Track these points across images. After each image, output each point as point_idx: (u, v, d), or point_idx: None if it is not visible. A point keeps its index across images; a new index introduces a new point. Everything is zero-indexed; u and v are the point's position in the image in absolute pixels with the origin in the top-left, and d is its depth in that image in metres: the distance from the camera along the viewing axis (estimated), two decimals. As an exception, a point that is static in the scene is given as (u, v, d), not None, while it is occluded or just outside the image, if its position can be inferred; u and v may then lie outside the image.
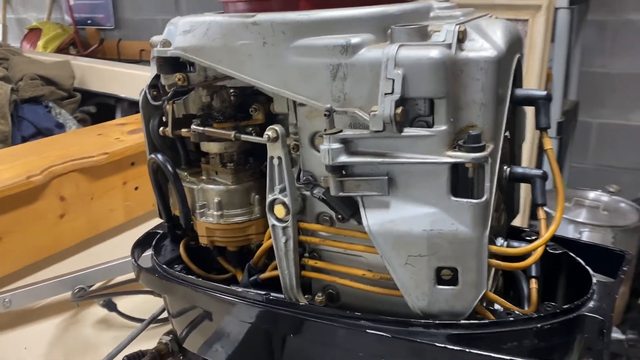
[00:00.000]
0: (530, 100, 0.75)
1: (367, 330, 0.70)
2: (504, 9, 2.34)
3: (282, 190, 0.74)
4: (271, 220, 0.76)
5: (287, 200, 0.74)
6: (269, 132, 0.72)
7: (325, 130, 0.68)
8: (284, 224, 0.75)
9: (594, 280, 0.76)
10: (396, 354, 0.69)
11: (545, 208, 0.75)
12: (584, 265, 0.80)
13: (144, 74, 2.70)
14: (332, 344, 0.73)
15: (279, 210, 0.75)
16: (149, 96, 0.89)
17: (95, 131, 1.59)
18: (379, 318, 0.70)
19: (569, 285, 0.85)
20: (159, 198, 0.93)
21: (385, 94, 0.63)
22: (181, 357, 1.04)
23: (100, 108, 2.93)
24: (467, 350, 0.65)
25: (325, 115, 0.67)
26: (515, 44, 0.73)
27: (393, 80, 0.63)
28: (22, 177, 1.20)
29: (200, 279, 0.86)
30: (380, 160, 0.66)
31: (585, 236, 2.44)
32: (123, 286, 1.25)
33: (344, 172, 0.68)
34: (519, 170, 0.77)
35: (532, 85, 2.40)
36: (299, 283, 0.78)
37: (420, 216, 0.67)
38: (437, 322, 0.68)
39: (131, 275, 1.32)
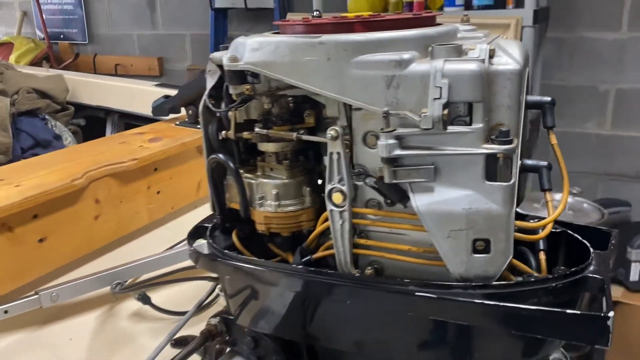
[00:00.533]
0: (538, 105, 0.92)
1: (416, 294, 0.85)
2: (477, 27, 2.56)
3: (340, 180, 0.89)
4: (329, 206, 0.91)
5: (344, 188, 0.89)
6: (331, 132, 0.87)
7: (381, 129, 0.83)
8: (341, 209, 0.90)
9: (591, 250, 0.94)
10: (441, 311, 0.85)
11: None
12: (581, 240, 0.98)
13: (135, 87, 2.80)
14: (387, 308, 0.88)
15: (337, 197, 0.90)
16: (209, 105, 1.02)
17: (117, 140, 1.69)
18: (425, 283, 0.86)
19: (568, 258, 1.02)
20: (215, 193, 1.06)
21: (435, 98, 0.79)
22: (227, 337, 1.17)
23: (89, 121, 3.01)
24: (500, 304, 0.81)
25: (383, 116, 0.82)
26: (526, 60, 0.90)
27: (441, 88, 0.79)
28: (67, 180, 1.31)
29: (260, 259, 1.00)
30: (428, 152, 0.82)
31: (566, 220, 2.66)
32: (159, 279, 1.36)
33: (396, 163, 0.84)
34: (529, 162, 0.95)
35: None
36: (352, 259, 0.93)
37: (460, 197, 0.83)
38: (473, 284, 0.84)
39: (163, 270, 1.44)
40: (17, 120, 2.41)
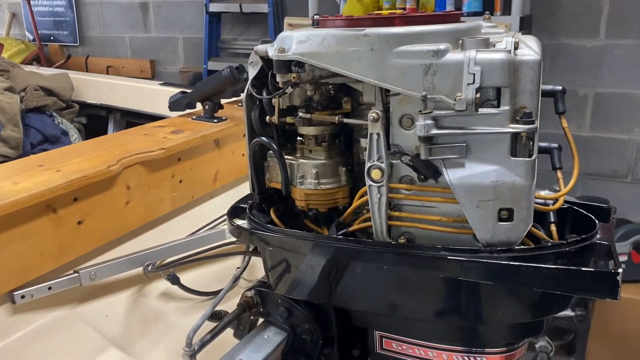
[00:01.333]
0: (551, 93, 1.05)
1: (448, 257, 0.96)
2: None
3: (379, 159, 1.00)
4: (368, 182, 1.02)
5: (383, 165, 1.00)
6: (372, 114, 0.98)
7: (419, 111, 0.94)
8: (379, 184, 1.01)
9: (597, 222, 1.07)
10: (470, 272, 0.96)
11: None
12: (587, 215, 1.11)
13: (137, 85, 2.87)
14: (422, 270, 0.99)
15: (376, 174, 1.01)
16: (253, 92, 1.13)
17: (139, 132, 1.77)
18: (455, 248, 0.97)
19: (574, 230, 1.15)
20: (255, 174, 1.17)
21: (468, 84, 0.91)
22: (261, 309, 1.26)
23: (90, 119, 3.07)
24: (524, 264, 0.93)
25: (422, 100, 0.93)
26: (542, 52, 1.03)
27: (474, 74, 0.90)
28: (103, 166, 1.39)
29: (301, 232, 1.10)
30: (461, 132, 0.94)
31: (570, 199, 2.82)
32: (191, 257, 1.45)
33: (432, 142, 0.95)
34: (543, 144, 1.08)
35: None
36: (388, 230, 1.04)
37: (488, 172, 0.94)
38: (498, 248, 0.96)
39: (187, 252, 1.53)
40: (25, 117, 2.46)
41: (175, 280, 1.47)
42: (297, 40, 1.02)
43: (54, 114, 2.56)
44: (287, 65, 1.04)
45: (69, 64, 4.69)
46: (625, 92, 3.44)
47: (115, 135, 1.74)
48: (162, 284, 1.49)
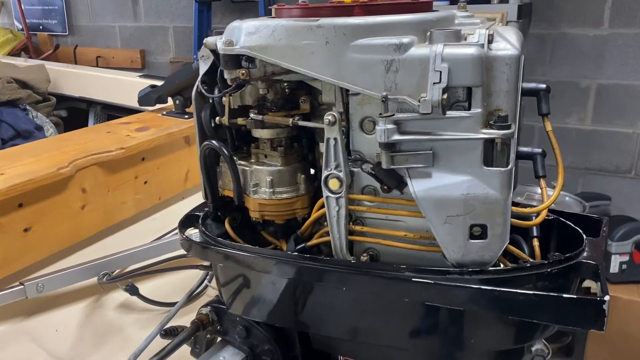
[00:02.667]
0: (533, 92, 0.93)
1: (413, 279, 0.85)
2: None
3: (337, 167, 0.89)
4: (326, 192, 0.90)
5: (341, 174, 0.88)
6: (328, 117, 0.87)
7: (380, 114, 0.83)
8: (337, 195, 0.90)
9: (584, 237, 0.95)
10: (437, 297, 0.85)
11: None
12: (574, 227, 0.99)
13: (118, 77, 2.76)
14: (383, 294, 0.88)
15: (334, 184, 0.89)
16: (202, 90, 1.01)
17: (103, 129, 1.66)
18: (422, 269, 0.86)
19: (561, 245, 1.03)
20: (207, 181, 1.05)
21: (434, 83, 0.79)
22: (218, 327, 1.15)
23: (71, 112, 2.96)
24: (497, 289, 0.81)
25: (382, 101, 0.82)
26: (523, 46, 0.90)
27: (440, 72, 0.78)
28: (53, 168, 1.28)
29: (254, 247, 0.99)
30: (427, 137, 0.82)
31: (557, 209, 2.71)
32: (146, 269, 1.35)
33: (394, 149, 0.83)
34: (524, 149, 0.95)
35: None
36: (348, 246, 0.92)
37: (458, 183, 0.83)
38: (469, 269, 0.84)
39: (150, 260, 1.42)
40: (-4, 111, 2.36)
41: (133, 291, 1.36)
42: (246, 31, 0.90)
43: (28, 107, 2.45)
44: (235, 60, 0.92)
45: (58, 54, 4.58)
46: (629, 83, 3.30)
47: (76, 133, 1.63)
48: (121, 294, 1.39)
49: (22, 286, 1.23)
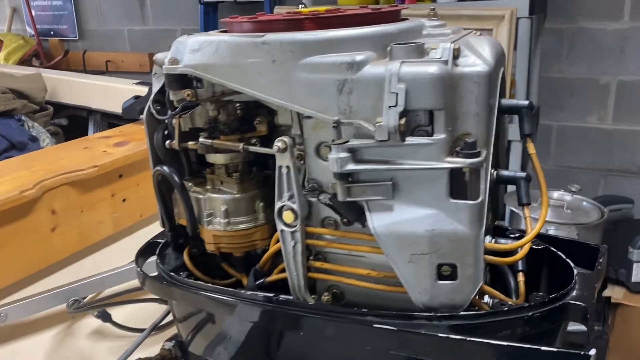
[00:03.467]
0: (514, 110, 0.82)
1: (374, 325, 0.75)
2: (469, 19, 2.45)
3: (290, 197, 0.79)
4: (280, 226, 0.81)
5: (295, 206, 0.79)
6: (278, 144, 0.77)
7: (333, 140, 0.73)
8: (293, 229, 0.81)
9: (575, 271, 0.84)
10: (402, 345, 0.75)
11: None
12: (565, 259, 0.88)
13: (116, 86, 2.70)
14: (342, 340, 0.79)
15: (288, 216, 0.80)
16: (153, 111, 0.93)
17: (80, 144, 1.60)
18: (385, 313, 0.76)
19: (551, 277, 0.92)
20: (163, 208, 0.97)
21: (390, 106, 0.69)
22: (184, 362, 1.07)
23: (72, 120, 2.92)
24: (468, 339, 0.71)
25: (333, 127, 0.72)
26: (500, 59, 0.80)
27: (397, 94, 0.69)
28: (15, 191, 1.22)
29: (209, 284, 0.90)
30: (385, 167, 0.72)
31: (551, 233, 2.56)
32: (118, 297, 1.27)
33: (350, 179, 0.74)
34: (505, 173, 0.85)
35: (497, 91, 2.51)
36: (307, 284, 0.83)
37: (422, 217, 0.73)
38: (438, 314, 0.74)
39: (125, 286, 1.35)
40: (-9, 122, 2.32)
41: (105, 318, 1.29)
42: (190, 48, 0.82)
43: (23, 118, 2.41)
44: (179, 80, 0.84)
45: (68, 60, 4.57)
46: (652, 79, 3.12)
47: (51, 149, 1.58)
48: (95, 321, 1.32)
49: (-16, 316, 1.17)
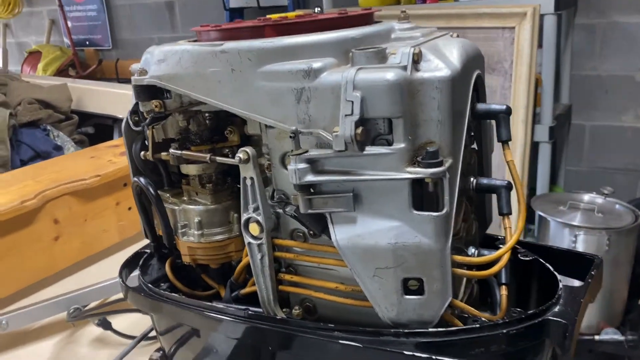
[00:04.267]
0: (490, 114, 0.78)
1: (340, 341, 0.73)
2: (490, 18, 2.38)
3: (256, 209, 0.78)
4: (247, 238, 0.79)
5: (260, 218, 0.77)
6: (240, 154, 0.76)
7: (292, 151, 0.71)
8: (259, 241, 0.79)
9: (560, 285, 0.79)
10: (368, 363, 0.72)
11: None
12: (552, 271, 0.83)
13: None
14: (308, 355, 0.76)
15: (254, 228, 0.78)
16: (130, 122, 0.92)
17: (88, 154, 1.62)
18: (352, 329, 0.73)
19: (540, 290, 0.87)
20: (144, 219, 0.97)
21: (346, 115, 0.66)
22: (172, 373, 1.06)
23: (98, 129, 2.98)
24: (434, 357, 0.67)
25: (290, 137, 0.70)
26: (472, 61, 0.76)
27: (352, 102, 0.66)
28: (16, 202, 1.24)
29: (183, 297, 0.89)
30: (344, 178, 0.69)
31: (581, 239, 2.45)
32: (117, 304, 1.28)
33: (312, 190, 0.72)
34: (484, 181, 0.81)
35: (521, 90, 2.43)
36: (276, 297, 0.81)
37: (385, 230, 0.70)
38: (406, 331, 0.71)
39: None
40: (18, 132, 2.39)
41: (106, 326, 1.30)
42: (156, 59, 0.81)
43: (48, 127, 2.48)
44: (147, 91, 0.83)
45: (103, 69, 4.69)
46: (692, 75, 2.97)
47: (59, 159, 1.60)
48: (95, 329, 1.33)
49: (-15, 324, 1.20)
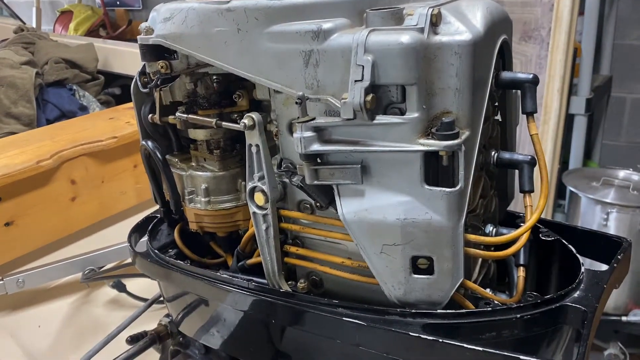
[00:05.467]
0: (516, 84, 0.72)
1: (344, 318, 0.70)
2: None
3: (261, 178, 0.74)
4: (252, 208, 0.76)
5: (265, 188, 0.74)
6: (245, 120, 0.72)
7: (297, 117, 0.67)
8: (264, 212, 0.75)
9: (582, 269, 0.74)
10: (372, 342, 0.69)
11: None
12: (574, 253, 0.78)
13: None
14: (310, 330, 0.74)
15: (259, 198, 0.75)
16: (139, 83, 0.89)
17: (107, 115, 1.61)
18: (357, 306, 0.70)
19: (561, 273, 0.83)
20: (153, 183, 0.94)
21: (356, 80, 0.62)
22: (180, 339, 1.06)
23: (125, 90, 2.97)
24: (440, 340, 0.64)
25: (297, 103, 0.66)
26: (498, 26, 0.70)
27: (363, 67, 0.61)
28: (32, 161, 1.24)
29: (189, 265, 0.87)
30: (352, 148, 0.65)
31: (613, 217, 2.37)
32: (133, 267, 1.28)
33: (318, 160, 0.68)
34: (507, 155, 0.76)
35: (558, 60, 2.31)
36: (281, 269, 0.78)
37: (394, 205, 0.65)
38: (413, 311, 0.68)
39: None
40: (44, 91, 2.40)
41: (120, 288, 1.31)
42: (162, 17, 0.77)
43: (74, 87, 2.48)
44: (153, 51, 0.80)
45: (133, 29, 4.68)
46: None
47: (78, 120, 1.59)
48: (110, 290, 1.34)
49: (2, 281, 1.21)
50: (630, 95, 3.15)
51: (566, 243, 0.81)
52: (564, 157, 2.75)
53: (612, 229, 2.35)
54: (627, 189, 2.44)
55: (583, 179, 2.55)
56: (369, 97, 0.61)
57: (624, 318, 2.42)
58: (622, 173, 2.59)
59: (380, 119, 0.63)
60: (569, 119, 2.60)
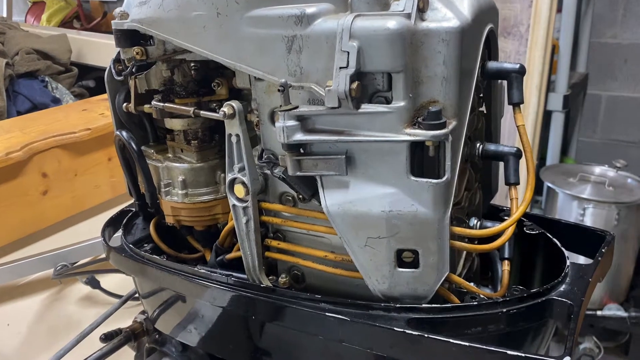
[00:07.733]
0: (502, 74, 0.71)
1: (327, 314, 0.67)
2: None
3: (241, 170, 0.72)
4: (231, 200, 0.74)
5: (246, 179, 0.71)
6: (225, 109, 0.69)
7: (280, 106, 0.64)
8: (244, 204, 0.73)
9: (568, 262, 0.73)
10: (355, 337, 0.67)
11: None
12: (559, 247, 0.77)
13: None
14: (291, 326, 0.71)
15: (239, 190, 0.73)
16: (113, 71, 0.86)
17: (80, 106, 1.56)
18: (339, 301, 0.68)
19: (546, 267, 0.82)
20: (128, 175, 0.91)
21: (340, 67, 0.59)
22: (157, 336, 1.03)
23: (99, 82, 2.90)
24: (426, 335, 0.62)
25: (279, 90, 0.63)
26: (485, 14, 0.68)
27: (348, 54, 0.59)
28: (1, 153, 1.19)
29: (165, 260, 0.84)
30: (337, 138, 0.63)
31: (590, 213, 2.39)
32: (107, 263, 1.24)
33: (301, 151, 0.65)
34: (492, 147, 0.74)
35: (536, 56, 2.32)
36: (262, 264, 0.76)
37: (379, 196, 0.64)
38: (397, 305, 0.66)
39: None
40: (15, 83, 2.33)
41: (94, 284, 1.27)
42: (138, 0, 0.74)
43: (47, 79, 2.41)
44: (127, 36, 0.76)
45: (107, 21, 4.57)
46: None
47: (50, 111, 1.54)
48: (83, 287, 1.30)
49: (-33, 278, 1.17)
50: (605, 92, 3.19)
51: (551, 236, 0.80)
52: (541, 153, 2.77)
53: (588, 224, 2.38)
54: (603, 184, 2.47)
55: (560, 175, 2.57)
56: (354, 85, 0.59)
57: (599, 312, 2.46)
58: (598, 169, 2.62)
59: (366, 107, 0.61)
60: (547, 116, 2.62)
